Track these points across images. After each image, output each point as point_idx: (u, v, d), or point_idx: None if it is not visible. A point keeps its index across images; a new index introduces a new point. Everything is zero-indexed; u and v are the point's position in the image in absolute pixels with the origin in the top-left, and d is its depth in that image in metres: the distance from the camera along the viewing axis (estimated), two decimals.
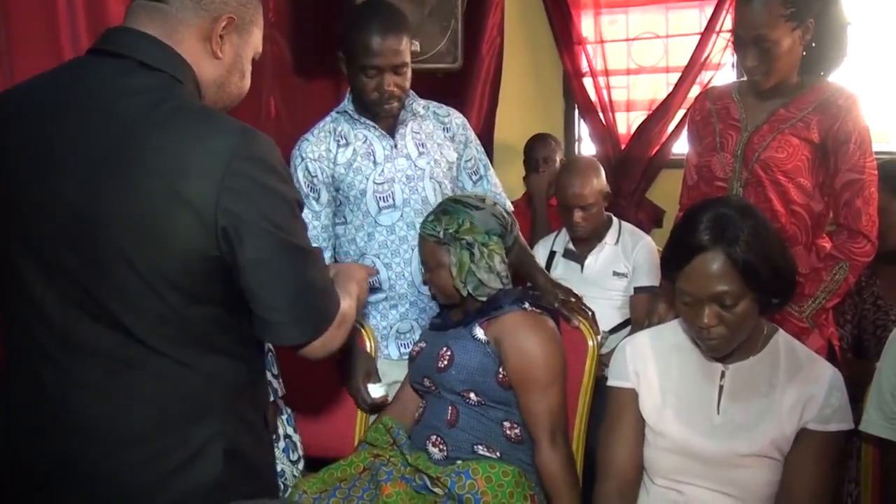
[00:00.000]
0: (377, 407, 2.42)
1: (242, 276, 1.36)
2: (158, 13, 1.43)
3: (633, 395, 1.94)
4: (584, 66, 4.26)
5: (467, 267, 2.14)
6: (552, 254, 3.28)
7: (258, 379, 1.60)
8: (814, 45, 2.22)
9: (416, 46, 2.82)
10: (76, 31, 2.55)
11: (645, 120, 4.11)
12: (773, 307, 1.85)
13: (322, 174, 2.42)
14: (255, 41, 1.54)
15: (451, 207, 2.19)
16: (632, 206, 4.11)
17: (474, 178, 2.59)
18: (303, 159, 2.43)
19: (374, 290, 2.43)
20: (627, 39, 4.21)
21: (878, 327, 2.71)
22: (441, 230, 2.16)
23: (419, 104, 2.53)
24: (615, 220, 3.23)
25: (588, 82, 4.27)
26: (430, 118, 2.54)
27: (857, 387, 2.04)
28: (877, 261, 2.39)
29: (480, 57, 4.20)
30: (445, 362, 2.13)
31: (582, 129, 4.50)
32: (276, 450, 2.17)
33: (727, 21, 3.71)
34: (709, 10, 3.88)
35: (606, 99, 4.22)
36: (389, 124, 2.46)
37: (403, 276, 2.46)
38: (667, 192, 3.81)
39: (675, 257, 1.81)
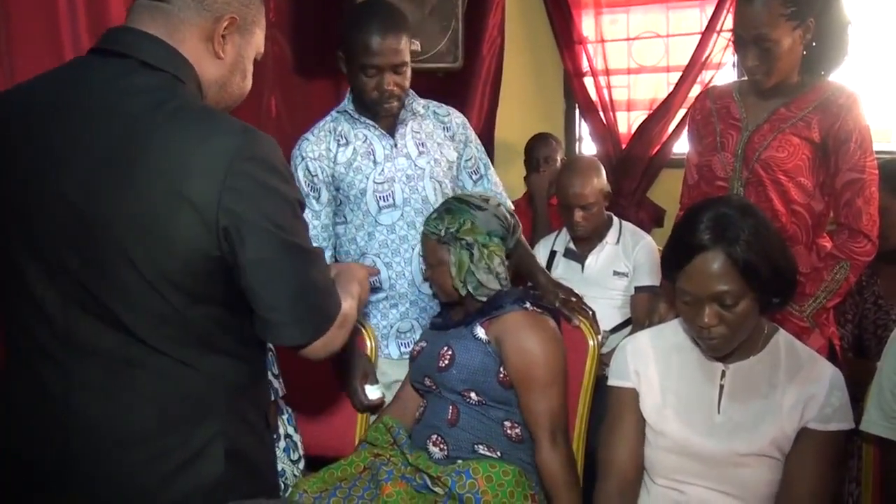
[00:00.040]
0: (374, 408, 2.42)
1: (243, 275, 1.36)
2: (161, 13, 1.43)
3: (633, 394, 1.94)
4: (585, 66, 4.27)
5: (466, 267, 2.14)
6: (553, 253, 3.28)
7: (259, 379, 1.60)
8: (814, 44, 2.22)
9: (417, 46, 2.82)
10: (77, 31, 2.55)
11: (645, 119, 4.11)
12: (773, 307, 1.85)
13: (322, 173, 2.42)
14: (256, 41, 1.54)
15: (454, 206, 2.20)
16: (632, 205, 4.11)
17: (474, 177, 2.59)
18: (303, 159, 2.43)
19: (374, 289, 2.43)
20: (628, 39, 4.21)
21: (878, 327, 2.71)
22: (443, 229, 2.16)
23: (419, 103, 2.53)
24: (616, 219, 3.23)
25: (589, 82, 4.27)
26: (430, 118, 2.54)
27: (857, 386, 2.04)
28: (877, 260, 2.39)
29: (481, 56, 4.20)
30: (446, 362, 2.13)
31: (583, 128, 4.50)
32: (276, 449, 2.18)
33: (728, 20, 3.71)
34: (709, 10, 3.88)
35: (607, 98, 4.22)
36: (389, 124, 2.46)
37: (404, 275, 2.46)
38: (667, 192, 3.82)
39: (675, 257, 1.81)
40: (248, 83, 1.56)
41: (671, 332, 2.00)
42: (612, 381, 2.00)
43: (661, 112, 4.04)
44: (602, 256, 3.16)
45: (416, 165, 2.46)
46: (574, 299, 2.41)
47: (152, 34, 1.42)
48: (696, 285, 1.76)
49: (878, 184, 2.26)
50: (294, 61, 3.64)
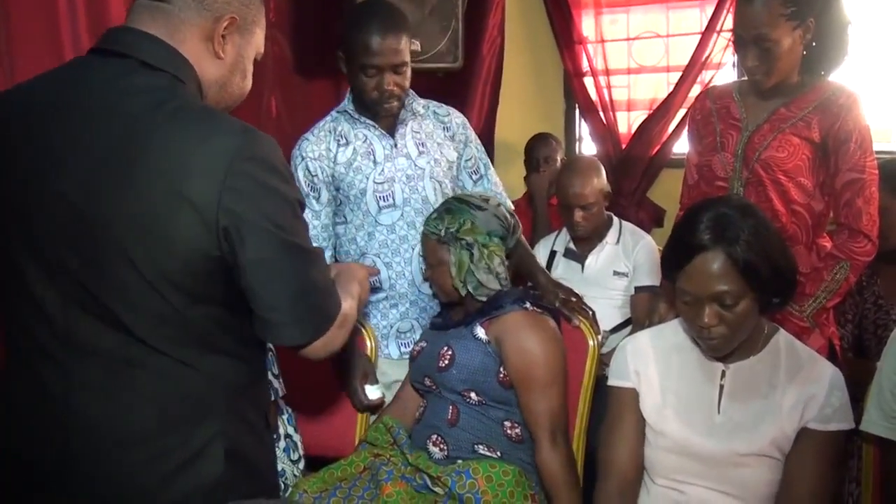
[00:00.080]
0: (374, 408, 2.42)
1: (243, 275, 1.36)
2: (161, 13, 1.43)
3: (633, 394, 1.94)
4: (585, 66, 4.27)
5: (466, 267, 2.14)
6: (553, 253, 3.28)
7: (259, 379, 1.60)
8: (814, 44, 2.22)
9: (417, 46, 2.82)
10: (77, 31, 2.55)
11: (646, 119, 4.11)
12: (773, 307, 1.85)
13: (322, 173, 2.43)
14: (257, 41, 1.54)
15: (454, 206, 2.20)
16: (632, 205, 4.11)
17: (474, 177, 2.59)
18: (303, 158, 2.43)
19: (374, 289, 2.43)
20: (628, 39, 4.21)
21: (878, 327, 2.71)
22: (443, 229, 2.16)
23: (419, 103, 2.53)
24: (616, 219, 3.23)
25: (589, 82, 4.27)
26: (429, 117, 2.54)
27: (857, 386, 2.04)
28: (877, 260, 2.39)
29: (481, 56, 4.20)
30: (446, 362, 2.13)
31: (583, 128, 4.50)
32: (276, 449, 2.18)
33: (728, 20, 3.71)
34: (709, 10, 3.88)
35: (607, 98, 4.22)
36: (389, 124, 2.46)
37: (404, 275, 2.46)
38: (667, 192, 3.82)
39: (675, 257, 1.81)
40: (249, 83, 1.56)
41: (671, 332, 2.00)
42: (612, 381, 2.00)
43: (661, 112, 4.04)
44: (602, 256, 3.16)
45: (416, 165, 2.46)
46: (574, 299, 2.41)
47: (152, 34, 1.42)
48: (696, 285, 1.76)
49: (878, 184, 2.26)
50: (294, 61, 3.64)
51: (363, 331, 2.45)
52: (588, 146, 4.48)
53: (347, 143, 2.44)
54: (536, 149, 3.96)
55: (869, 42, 3.43)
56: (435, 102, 2.59)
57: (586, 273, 3.15)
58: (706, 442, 1.83)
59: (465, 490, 2.00)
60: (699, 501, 1.86)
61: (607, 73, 4.22)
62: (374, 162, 2.43)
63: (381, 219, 2.44)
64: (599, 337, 2.39)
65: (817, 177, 2.27)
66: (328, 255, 2.46)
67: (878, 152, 2.28)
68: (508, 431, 2.13)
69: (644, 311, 2.73)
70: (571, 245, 3.24)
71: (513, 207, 2.48)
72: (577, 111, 4.47)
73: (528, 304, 2.17)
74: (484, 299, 2.16)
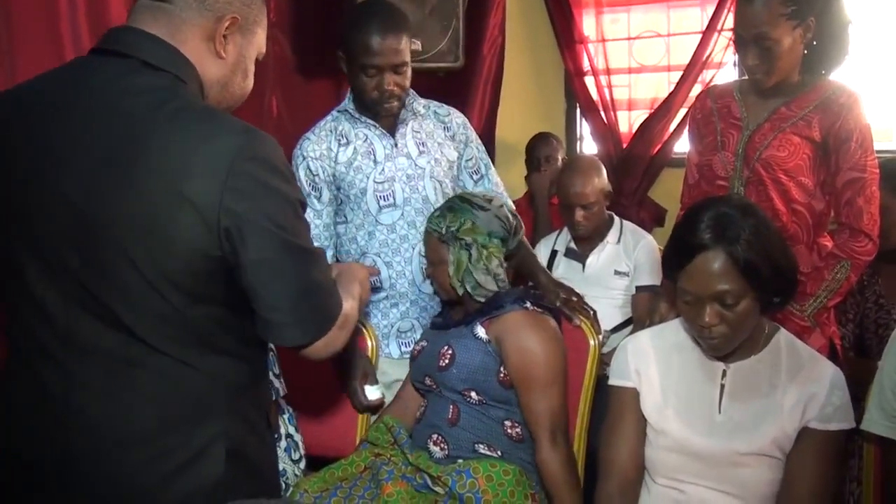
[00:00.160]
0: (373, 408, 2.42)
1: (245, 276, 1.36)
2: (162, 13, 1.43)
3: (634, 394, 1.94)
4: (586, 65, 4.27)
5: (465, 266, 2.14)
6: (554, 253, 3.28)
7: (260, 379, 1.60)
8: (815, 43, 2.22)
9: (417, 45, 2.82)
10: (77, 31, 2.56)
11: (646, 119, 4.11)
12: (774, 306, 1.85)
13: (323, 173, 2.43)
14: (258, 41, 1.54)
15: (457, 205, 2.20)
16: (633, 205, 4.11)
17: (475, 177, 2.59)
18: (304, 158, 2.43)
19: (374, 289, 2.43)
20: (629, 38, 4.21)
21: (879, 326, 2.71)
22: (444, 227, 2.16)
23: (419, 103, 2.53)
24: (617, 219, 3.23)
25: (590, 81, 4.27)
26: (430, 117, 2.54)
27: (858, 386, 2.03)
28: (878, 260, 2.39)
29: (482, 56, 4.20)
30: (446, 361, 2.13)
31: (583, 127, 4.50)
32: (277, 449, 2.18)
33: (729, 20, 3.71)
34: (710, 9, 3.88)
35: (608, 98, 4.23)
36: (390, 123, 2.46)
37: (404, 274, 2.46)
38: (668, 191, 3.81)
39: (676, 256, 1.81)
40: (250, 83, 1.56)
41: (672, 332, 2.00)
42: (612, 381, 2.00)
43: (661, 111, 4.04)
44: (603, 256, 3.16)
45: (416, 165, 2.46)
46: (575, 299, 2.41)
47: (154, 34, 1.42)
48: (696, 285, 1.76)
49: (878, 183, 2.26)
50: (295, 61, 3.64)
51: (364, 330, 2.45)
52: (589, 145, 4.48)
53: (348, 143, 2.44)
54: (537, 148, 3.96)
55: (869, 41, 3.42)
56: (435, 102, 2.59)
57: (587, 272, 3.15)
58: (707, 441, 1.83)
59: (465, 489, 2.00)
60: (700, 501, 1.86)
61: (608, 72, 4.22)
62: (375, 161, 2.43)
63: (382, 218, 2.44)
64: (600, 336, 2.39)
65: (818, 176, 2.26)
66: (330, 254, 2.46)
67: (878, 151, 2.28)
68: (509, 431, 2.13)
69: (645, 310, 2.73)
70: (572, 244, 3.24)
71: (514, 208, 2.48)
72: (578, 110, 4.48)
73: (528, 304, 2.17)
74: (482, 300, 2.16)
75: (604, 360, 2.38)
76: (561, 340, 2.16)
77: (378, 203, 2.43)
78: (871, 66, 3.51)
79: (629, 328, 3.03)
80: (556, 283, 2.48)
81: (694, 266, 1.76)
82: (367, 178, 2.42)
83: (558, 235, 3.33)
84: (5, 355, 1.49)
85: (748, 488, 1.83)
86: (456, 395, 2.13)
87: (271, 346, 2.03)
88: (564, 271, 3.17)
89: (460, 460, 2.09)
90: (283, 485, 2.18)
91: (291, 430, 2.30)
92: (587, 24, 4.26)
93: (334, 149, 2.44)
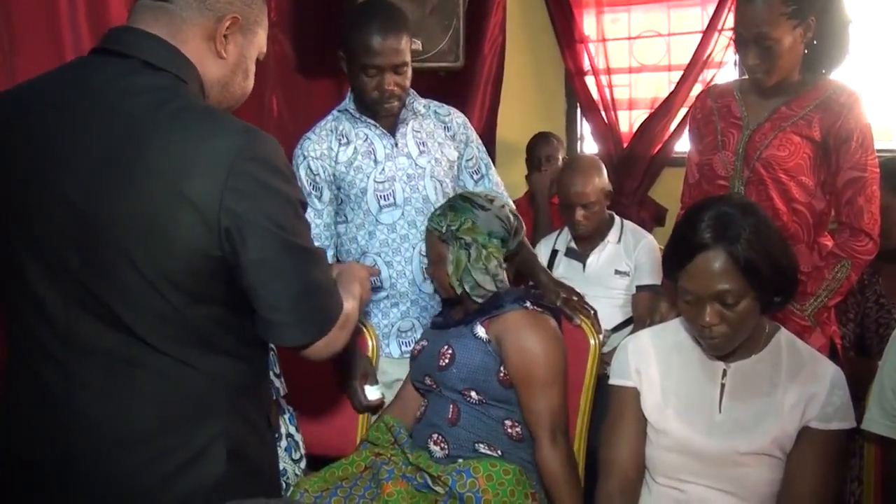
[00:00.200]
0: (373, 409, 2.42)
1: (245, 276, 1.36)
2: (163, 13, 1.43)
3: (634, 393, 1.94)
4: (586, 65, 4.27)
5: (463, 266, 2.14)
6: (554, 252, 3.28)
7: (261, 379, 1.60)
8: (815, 42, 2.22)
9: (418, 45, 2.82)
10: (78, 31, 2.56)
11: (647, 118, 4.11)
12: (774, 306, 1.85)
13: (324, 172, 2.43)
14: (259, 41, 1.54)
15: (458, 205, 2.20)
16: (634, 204, 4.11)
17: (475, 177, 2.59)
18: (305, 158, 2.44)
19: (375, 288, 2.43)
20: (629, 38, 4.21)
21: (880, 325, 2.71)
22: (444, 225, 2.16)
23: (420, 103, 2.53)
24: (617, 218, 3.24)
25: (590, 81, 4.28)
26: (430, 117, 2.54)
27: (859, 385, 2.03)
28: (879, 259, 2.39)
29: (482, 56, 4.20)
30: (446, 361, 2.14)
31: (584, 127, 4.50)
32: (278, 449, 2.18)
33: (729, 19, 3.70)
34: (711, 9, 3.88)
35: (608, 97, 4.23)
36: (390, 123, 2.46)
37: (405, 274, 2.46)
38: (669, 191, 3.82)
39: (676, 256, 1.81)
40: (250, 83, 1.56)
41: (672, 332, 2.00)
42: (613, 380, 2.00)
43: (662, 111, 4.04)
44: (603, 255, 3.16)
45: (416, 165, 2.46)
46: (575, 298, 2.41)
47: (154, 34, 1.42)
48: (697, 284, 1.76)
49: (879, 182, 2.25)
50: (296, 61, 3.64)
51: (364, 330, 2.46)
52: (589, 145, 4.48)
53: (348, 143, 2.44)
54: (538, 148, 3.96)
55: (870, 40, 3.42)
56: (436, 102, 2.59)
57: (588, 272, 3.15)
58: (707, 441, 1.83)
59: (465, 489, 2.00)
60: (700, 500, 1.86)
61: (609, 71, 4.23)
62: (375, 161, 2.43)
63: (382, 218, 2.44)
64: (601, 336, 2.39)
65: (818, 175, 2.26)
66: (330, 254, 2.47)
67: (879, 151, 2.28)
68: (509, 430, 2.13)
69: (645, 310, 2.73)
70: (573, 244, 3.24)
71: (514, 207, 2.48)
72: (579, 110, 4.48)
73: (528, 304, 2.17)
74: (479, 301, 2.16)
75: (604, 360, 2.38)
76: (561, 340, 2.16)
77: (378, 203, 2.43)
78: (871, 65, 3.51)
79: (630, 328, 3.03)
80: (556, 282, 2.48)
81: (694, 265, 1.76)
82: (368, 177, 2.42)
83: (559, 235, 3.33)
84: (6, 355, 1.49)
85: (748, 488, 1.83)
86: (456, 395, 2.13)
87: (272, 345, 2.03)
88: (565, 271, 3.17)
89: (460, 460, 2.09)
90: (284, 484, 2.18)
91: (292, 429, 2.30)
92: (588, 23, 4.26)
93: (335, 148, 2.44)
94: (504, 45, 4.31)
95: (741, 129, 2.32)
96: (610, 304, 3.03)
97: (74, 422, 1.40)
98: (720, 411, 1.86)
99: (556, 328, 2.18)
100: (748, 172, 2.29)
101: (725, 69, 3.88)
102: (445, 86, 3.62)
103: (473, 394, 2.11)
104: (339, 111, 2.51)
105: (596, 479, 1.97)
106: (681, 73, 3.98)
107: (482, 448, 2.11)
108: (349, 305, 1.50)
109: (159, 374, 1.40)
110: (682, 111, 3.96)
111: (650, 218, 4.12)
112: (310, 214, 2.37)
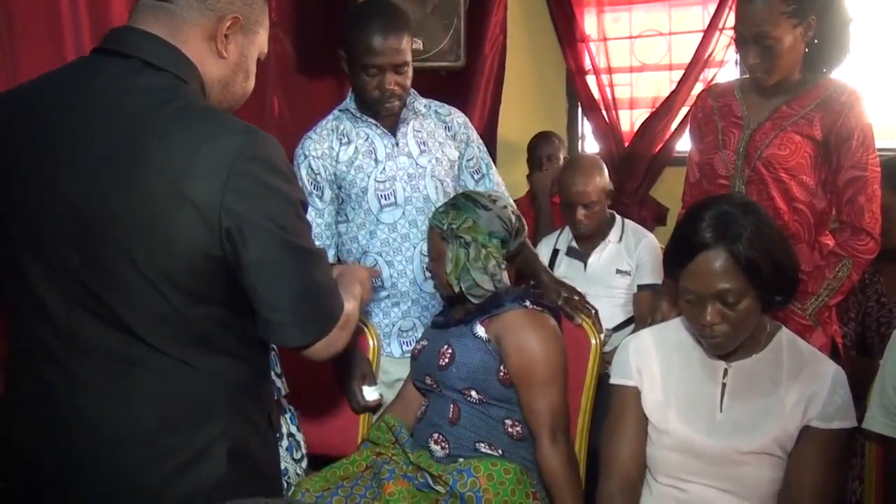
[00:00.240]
0: (372, 409, 2.43)
1: (246, 276, 1.36)
2: (164, 13, 1.43)
3: (635, 392, 1.95)
4: (588, 64, 4.27)
5: (462, 264, 2.14)
6: (555, 252, 3.28)
7: (262, 379, 1.60)
8: (816, 42, 2.22)
9: (419, 45, 2.83)
10: (79, 31, 2.56)
11: (648, 117, 4.11)
12: (776, 305, 1.85)
13: (325, 172, 2.43)
14: (260, 41, 1.54)
15: (460, 203, 2.20)
16: (635, 203, 4.11)
17: (476, 176, 2.59)
18: (306, 157, 2.44)
19: (375, 288, 2.43)
20: (630, 37, 4.21)
21: (881, 325, 2.70)
22: (446, 224, 2.16)
23: (420, 103, 2.53)
24: (618, 217, 3.24)
25: (591, 80, 4.28)
26: (431, 117, 2.54)
27: (860, 384, 2.03)
28: (880, 258, 2.38)
29: (483, 55, 4.20)
30: (446, 360, 2.14)
31: (585, 126, 4.50)
32: (279, 448, 2.18)
33: (730, 18, 3.69)
34: (712, 8, 3.88)
35: (609, 96, 4.23)
36: (391, 122, 2.46)
37: (405, 274, 2.46)
38: (670, 190, 3.81)
39: (677, 255, 1.81)
40: (251, 83, 1.56)
41: (673, 331, 2.00)
42: (614, 380, 2.00)
43: (663, 110, 4.04)
44: (605, 255, 3.16)
45: (417, 164, 2.46)
46: (576, 298, 2.41)
47: (155, 34, 1.42)
48: (698, 283, 1.76)
49: (880, 181, 2.25)
50: (297, 60, 3.64)
51: (366, 329, 2.46)
52: (590, 144, 4.48)
53: (349, 142, 2.45)
54: (539, 147, 3.96)
55: (871, 39, 3.42)
56: (437, 102, 2.59)
57: (589, 271, 3.15)
58: (708, 440, 1.83)
59: (466, 488, 2.00)
60: (701, 500, 1.86)
61: (610, 71, 4.23)
62: (376, 160, 2.43)
63: (383, 217, 2.44)
64: (602, 335, 2.39)
65: (819, 175, 2.26)
66: (331, 253, 2.47)
67: (880, 150, 2.28)
68: (509, 430, 2.13)
69: (646, 309, 2.73)
70: (574, 243, 3.24)
71: (516, 208, 2.48)
72: (580, 109, 4.47)
73: (528, 303, 2.17)
74: (476, 301, 2.16)
75: (605, 359, 2.38)
76: (560, 339, 2.16)
77: (379, 202, 2.43)
78: (872, 64, 3.51)
79: (631, 327, 3.03)
80: (557, 282, 2.48)
81: (695, 265, 1.76)
82: (369, 177, 2.42)
83: (560, 234, 3.33)
84: (6, 356, 1.50)
85: (750, 487, 1.83)
86: (456, 395, 2.13)
87: (273, 345, 2.03)
88: (566, 270, 3.17)
89: (461, 459, 2.09)
90: (285, 484, 2.18)
91: (293, 429, 2.30)
92: (589, 22, 4.26)
93: (336, 148, 2.44)
94: (505, 44, 4.31)
95: (742, 128, 2.32)
96: (611, 304, 3.03)
97: (75, 422, 1.40)
98: (721, 410, 1.86)
99: (556, 327, 2.18)
100: (749, 172, 2.29)
101: (726, 68, 3.88)
102: (446, 85, 3.62)
103: (473, 393, 2.11)
104: (340, 111, 2.51)
105: (597, 478, 1.98)
106: (682, 72, 3.98)
107: (483, 447, 2.11)
108: (350, 306, 1.50)
109: (160, 374, 1.40)
110: (684, 110, 3.96)
111: (651, 217, 4.11)
112: (311, 214, 2.38)
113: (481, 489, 1.99)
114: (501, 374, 2.11)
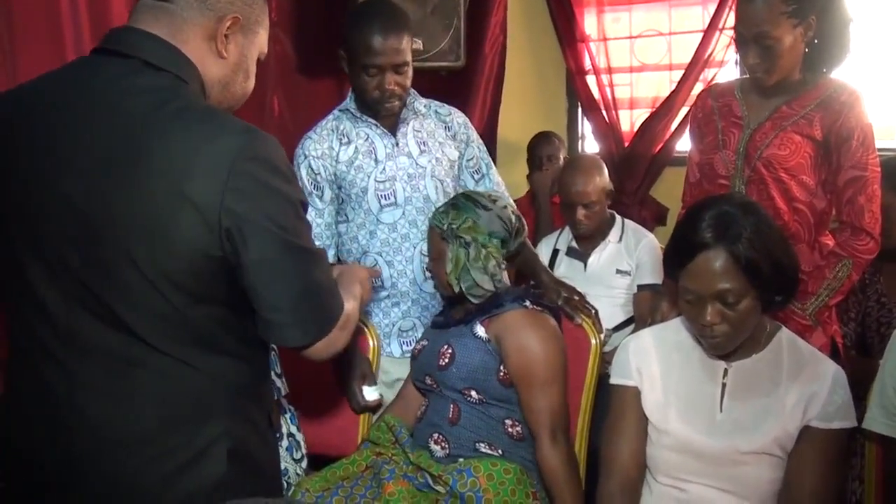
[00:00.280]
0: (371, 409, 2.43)
1: (246, 276, 1.36)
2: (164, 13, 1.43)
3: (635, 392, 1.95)
4: (588, 64, 4.27)
5: (462, 264, 2.14)
6: (555, 252, 3.28)
7: (262, 379, 1.60)
8: (816, 41, 2.22)
9: (419, 44, 2.83)
10: (79, 31, 2.56)
11: (648, 117, 4.11)
12: (776, 305, 1.85)
13: (325, 172, 2.43)
14: (260, 41, 1.54)
15: (461, 203, 2.20)
16: (635, 203, 4.11)
17: (476, 176, 2.59)
18: (306, 157, 2.44)
19: (375, 288, 2.43)
20: (630, 37, 4.21)
21: (881, 325, 2.70)
22: (446, 224, 2.16)
23: (420, 103, 2.53)
24: (618, 217, 3.24)
25: (591, 80, 4.27)
26: (431, 117, 2.54)
27: (860, 384, 2.03)
28: (880, 258, 2.38)
29: (483, 55, 4.20)
30: (446, 360, 2.14)
31: (585, 126, 4.50)
32: (279, 448, 2.18)
33: (730, 18, 3.69)
34: (712, 8, 3.88)
35: (609, 96, 4.23)
36: (391, 123, 2.46)
37: (406, 274, 2.46)
38: (670, 190, 3.81)
39: (677, 255, 1.81)
40: (251, 83, 1.56)
41: (673, 331, 2.00)
42: (614, 380, 2.00)
43: (663, 110, 4.04)
44: (604, 255, 3.16)
45: (417, 164, 2.46)
46: (576, 298, 2.41)
47: (155, 34, 1.42)
48: (698, 283, 1.76)
49: (880, 181, 2.25)
50: (297, 60, 3.64)
51: (366, 329, 2.46)
52: (590, 144, 4.48)
53: (349, 142, 2.45)
54: (539, 147, 3.96)
55: (871, 39, 3.42)
56: (437, 102, 2.59)
57: (589, 271, 3.15)
58: (708, 440, 1.83)
59: (466, 488, 2.00)
60: (701, 500, 1.86)
61: (610, 71, 4.23)
62: (376, 160, 2.43)
63: (383, 217, 2.44)
64: (602, 335, 2.39)
65: (819, 175, 2.26)
66: (331, 253, 2.47)
67: (880, 150, 2.28)
68: (509, 430, 2.13)
69: (646, 309, 2.73)
70: (574, 243, 3.24)
71: (516, 208, 2.48)
72: (580, 109, 4.47)
73: (528, 303, 2.17)
74: (476, 301, 2.16)
75: (605, 359, 2.37)
76: (560, 339, 2.16)
77: (379, 202, 2.43)
78: (872, 64, 3.51)
79: (631, 327, 3.03)
80: (557, 282, 2.48)
81: (695, 265, 1.76)
82: (369, 177, 2.42)
83: (560, 234, 3.33)
84: (6, 356, 1.50)
85: (750, 487, 1.83)
86: (456, 395, 2.13)
87: (273, 345, 2.03)
88: (566, 270, 3.17)
89: (461, 459, 2.09)
90: (285, 484, 2.18)
91: (293, 429, 2.30)
92: (588, 22, 4.26)
93: (336, 148, 2.44)
94: (505, 44, 4.31)
95: (742, 128, 2.32)
96: (611, 304, 3.03)
97: (75, 422, 1.40)
98: (721, 410, 1.86)
99: (556, 327, 2.18)
100: (749, 171, 2.29)
101: (726, 68, 3.88)
102: (446, 85, 3.62)
103: (473, 393, 2.11)
104: (340, 111, 2.51)
105: (597, 478, 1.98)
106: (682, 72, 3.97)
107: (483, 447, 2.11)
108: (350, 306, 1.50)
109: (160, 374, 1.40)
110: (684, 110, 3.96)
111: (651, 217, 4.11)
112: (311, 214, 2.38)
113: (481, 489, 1.99)
114: (501, 374, 2.11)
